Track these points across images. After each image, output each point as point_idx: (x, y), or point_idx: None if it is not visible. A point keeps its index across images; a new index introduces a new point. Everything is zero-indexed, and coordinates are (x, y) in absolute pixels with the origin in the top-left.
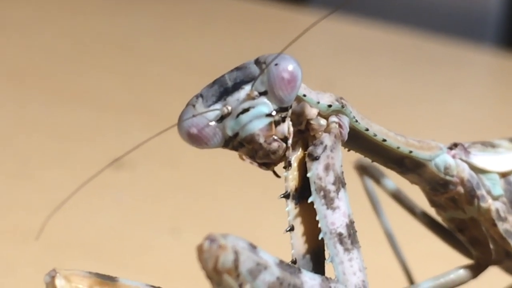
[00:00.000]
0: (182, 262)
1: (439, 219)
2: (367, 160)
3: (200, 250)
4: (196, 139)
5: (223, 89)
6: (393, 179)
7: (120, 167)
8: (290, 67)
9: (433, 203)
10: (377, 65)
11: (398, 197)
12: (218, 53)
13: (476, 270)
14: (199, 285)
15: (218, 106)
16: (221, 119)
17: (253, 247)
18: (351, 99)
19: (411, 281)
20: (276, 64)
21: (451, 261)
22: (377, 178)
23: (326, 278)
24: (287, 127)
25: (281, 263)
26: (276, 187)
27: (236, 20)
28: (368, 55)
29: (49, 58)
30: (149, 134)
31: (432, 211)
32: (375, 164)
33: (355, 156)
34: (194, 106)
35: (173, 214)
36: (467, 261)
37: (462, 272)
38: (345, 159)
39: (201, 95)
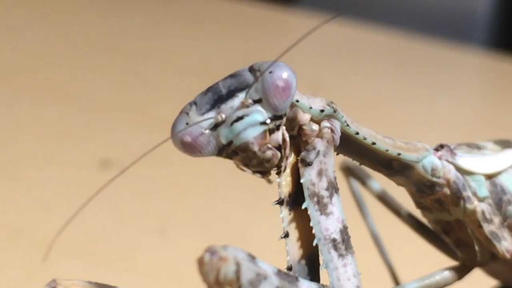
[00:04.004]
0: (169, 261)
1: (424, 220)
2: (353, 162)
3: (201, 263)
4: (190, 148)
5: (217, 97)
6: (379, 180)
7: (108, 167)
8: (285, 75)
9: (419, 205)
10: (366, 66)
11: (384, 199)
12: (208, 53)
13: (461, 271)
14: (186, 285)
15: (212, 114)
16: (215, 127)
17: (252, 258)
18: (341, 101)
19: (396, 282)
20: (270, 72)
21: (438, 262)
22: (363, 180)
23: (323, 285)
24: (281, 135)
25: (279, 273)
26: (265, 187)
27: (226, 21)
28: (358, 57)
29: (38, 58)
30: (139, 134)
31: (417, 213)
32: (361, 165)
33: (340, 158)
34: (187, 114)
35: (161, 214)
36: (453, 262)
37: (447, 274)
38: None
39: (194, 103)
